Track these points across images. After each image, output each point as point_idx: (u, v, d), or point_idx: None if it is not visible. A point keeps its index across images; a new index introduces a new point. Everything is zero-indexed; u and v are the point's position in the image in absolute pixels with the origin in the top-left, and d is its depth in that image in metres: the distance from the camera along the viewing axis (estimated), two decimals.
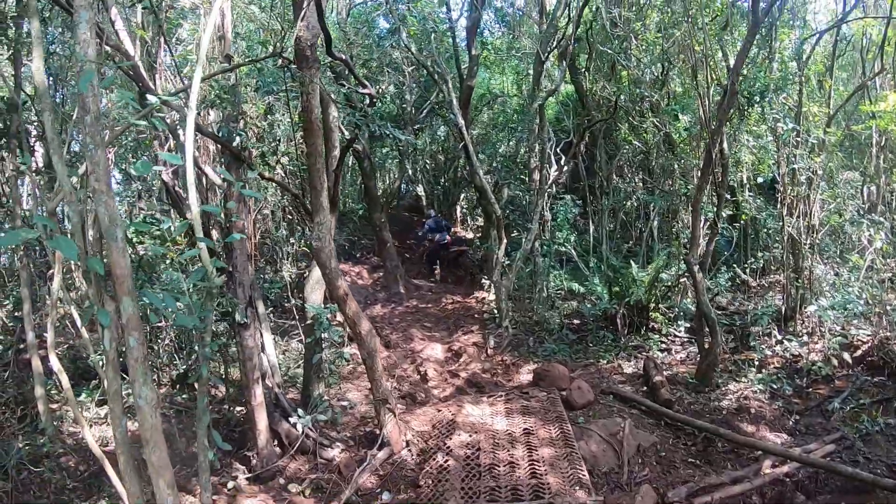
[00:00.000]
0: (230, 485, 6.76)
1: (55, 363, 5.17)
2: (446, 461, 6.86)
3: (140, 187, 10.67)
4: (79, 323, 5.58)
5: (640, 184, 14.14)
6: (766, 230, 11.77)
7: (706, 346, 8.51)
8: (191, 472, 7.02)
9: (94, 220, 3.37)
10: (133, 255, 8.44)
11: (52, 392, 7.97)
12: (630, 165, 14.91)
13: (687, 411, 7.90)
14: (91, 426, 7.49)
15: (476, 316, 12.87)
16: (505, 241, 12.20)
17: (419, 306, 13.88)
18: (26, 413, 7.51)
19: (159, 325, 8.74)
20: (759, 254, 11.23)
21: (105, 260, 3.68)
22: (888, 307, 8.57)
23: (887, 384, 7.82)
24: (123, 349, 3.32)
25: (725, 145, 8.61)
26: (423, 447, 7.41)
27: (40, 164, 9.21)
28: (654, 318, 10.71)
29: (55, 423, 7.30)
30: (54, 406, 7.83)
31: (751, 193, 11.55)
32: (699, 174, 8.96)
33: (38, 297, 9.04)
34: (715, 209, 8.87)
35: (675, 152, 12.34)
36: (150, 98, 3.95)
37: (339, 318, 8.69)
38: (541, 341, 11.07)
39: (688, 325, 10.56)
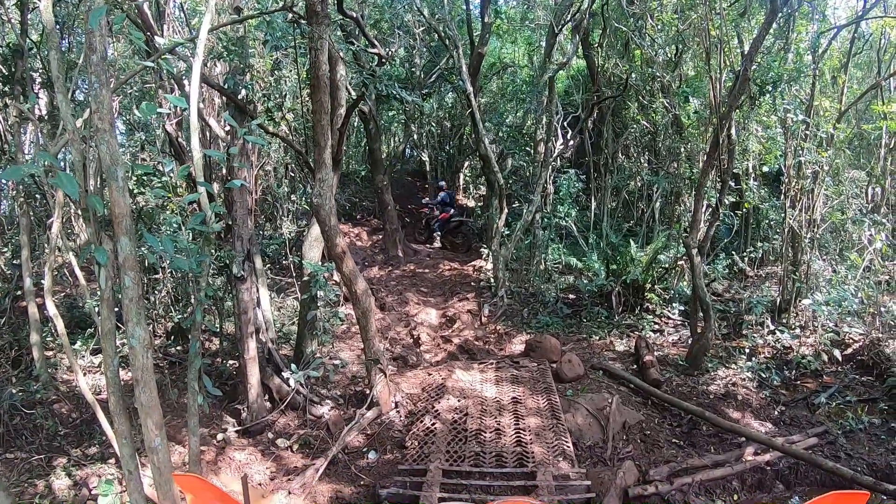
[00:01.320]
0: (220, 437, 6.83)
1: (51, 308, 5.16)
2: (433, 424, 6.91)
3: (143, 137, 10.59)
4: (77, 271, 5.57)
5: (646, 164, 14.07)
6: (767, 221, 11.73)
7: (699, 329, 8.53)
8: (181, 423, 7.06)
9: (97, 169, 3.33)
10: (133, 206, 8.43)
11: (48, 339, 8.01)
12: (636, 145, 14.82)
13: (675, 393, 7.92)
14: (85, 374, 7.53)
15: (472, 284, 12.88)
16: (506, 210, 12.16)
17: (416, 271, 13.88)
18: (21, 359, 7.56)
19: (156, 277, 8.78)
20: (759, 244, 11.21)
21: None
22: (882, 309, 8.58)
23: (875, 384, 7.85)
24: (119, 293, 3.32)
25: (733, 131, 8.53)
26: (412, 409, 7.47)
27: (43, 113, 9.15)
28: (650, 299, 10.72)
29: (49, 371, 7.34)
30: (49, 353, 7.87)
31: (755, 182, 11.49)
32: (705, 158, 8.90)
33: (37, 245, 9.04)
34: (718, 195, 8.82)
35: (683, 135, 12.25)
36: (159, 40, 3.89)
37: (336, 277, 8.71)
38: (535, 313, 11.10)
39: (682, 307, 10.58)
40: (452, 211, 16.02)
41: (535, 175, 13.18)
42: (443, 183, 16.77)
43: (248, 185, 7.66)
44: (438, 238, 16.17)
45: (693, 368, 8.44)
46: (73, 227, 10.12)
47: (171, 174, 4.46)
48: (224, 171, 7.75)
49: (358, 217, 17.55)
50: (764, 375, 8.17)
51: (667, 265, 10.82)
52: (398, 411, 7.42)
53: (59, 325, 5.02)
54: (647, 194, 13.36)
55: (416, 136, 19.48)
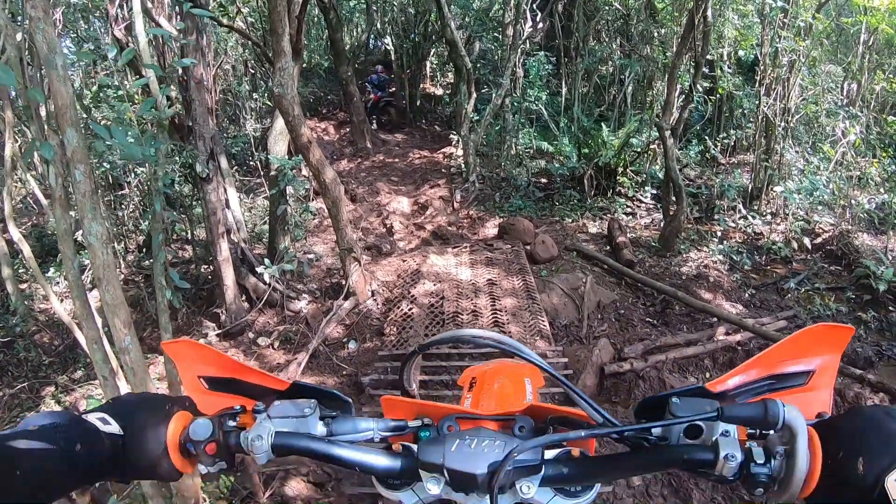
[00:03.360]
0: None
1: (15, 233, 4.89)
2: (410, 310, 6.90)
3: (90, 47, 9.89)
4: (40, 197, 5.25)
5: (618, 49, 13.59)
6: (741, 109, 11.51)
7: (671, 212, 8.49)
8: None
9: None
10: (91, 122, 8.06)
11: (20, 271, 7.82)
12: (608, 29, 14.30)
13: (648, 273, 7.97)
14: (62, 300, 7.37)
15: (443, 171, 12.69)
16: (474, 95, 11.74)
17: (386, 161, 13.63)
18: None
19: (123, 193, 8.51)
20: (732, 131, 11.06)
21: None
22: (853, 202, 8.57)
23: (843, 274, 7.92)
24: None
25: (710, 13, 8.16)
26: (388, 296, 7.44)
27: None
28: (622, 182, 10.63)
29: (26, 302, 7.16)
30: (23, 286, 7.69)
31: (730, 70, 11.18)
32: (679, 40, 8.57)
33: None
34: (692, 78, 8.57)
35: (657, 19, 11.82)
36: None
37: (305, 171, 8.48)
38: (507, 197, 10.99)
39: (654, 191, 10.52)
40: (380, 94, 16.05)
41: (503, 59, 12.73)
42: (379, 67, 16.67)
43: (206, 83, 7.30)
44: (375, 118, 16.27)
45: (665, 250, 8.48)
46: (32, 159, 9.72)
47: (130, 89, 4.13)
48: (179, 70, 7.35)
49: (324, 111, 17.07)
50: (735, 258, 8.21)
51: (639, 149, 10.67)
52: (375, 299, 7.39)
53: (26, 249, 4.76)
54: (618, 79, 12.97)
55: (378, 25, 18.70)
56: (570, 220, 9.95)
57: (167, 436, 0.93)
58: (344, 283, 7.31)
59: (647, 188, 10.65)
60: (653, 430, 0.93)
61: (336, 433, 1.05)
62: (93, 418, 0.89)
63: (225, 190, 7.81)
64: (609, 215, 9.94)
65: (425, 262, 8.02)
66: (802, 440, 0.79)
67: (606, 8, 13.28)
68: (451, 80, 16.88)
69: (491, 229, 9.80)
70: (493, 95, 11.54)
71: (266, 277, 6.50)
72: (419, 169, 13.01)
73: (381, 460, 0.98)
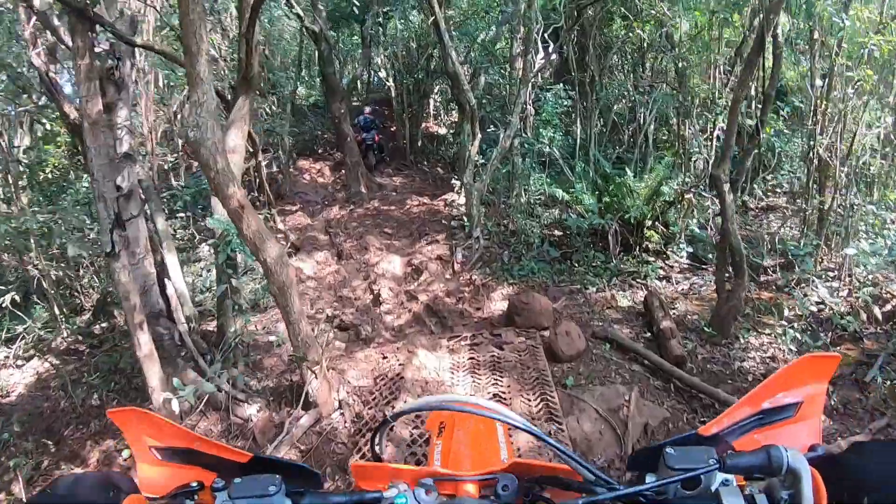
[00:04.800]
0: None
1: None
2: (385, 445, 4.65)
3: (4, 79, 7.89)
4: None
5: (633, 88, 11.42)
6: (770, 149, 9.28)
7: (728, 287, 6.20)
8: (85, 436, 5.49)
9: None
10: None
11: None
12: (624, 64, 12.20)
13: (703, 371, 5.71)
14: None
15: (443, 222, 10.44)
16: (479, 136, 9.48)
17: (380, 208, 11.47)
18: None
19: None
20: (769, 176, 8.88)
21: None
22: None
23: None
24: None
25: (780, 30, 6.00)
26: (359, 411, 5.22)
27: None
28: (649, 237, 8.41)
29: None
30: None
31: (759, 106, 9.00)
32: (743, 67, 6.41)
33: None
34: (759, 114, 6.39)
35: (678, 51, 9.72)
36: None
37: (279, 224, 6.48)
38: (517, 257, 8.72)
39: (690, 249, 8.32)
40: (365, 135, 13.96)
41: (512, 95, 10.60)
42: (367, 108, 14.73)
43: (131, 126, 5.30)
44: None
45: (721, 336, 6.19)
46: None
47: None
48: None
49: (320, 151, 15.09)
50: (813, 344, 5.91)
51: (670, 198, 8.45)
52: (342, 413, 5.17)
53: None
54: (637, 118, 10.76)
55: (378, 60, 16.76)
56: (595, 289, 7.67)
57: None
58: (303, 385, 5.16)
59: (681, 245, 8.43)
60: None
61: None
62: None
63: (161, 258, 5.81)
64: (639, 281, 7.75)
65: (411, 361, 5.67)
66: (807, 485, 0.75)
67: (630, 35, 11.18)
68: (456, 119, 14.86)
69: (498, 302, 7.52)
70: (501, 136, 9.29)
71: (174, 406, 4.31)
72: (417, 219, 10.80)
73: None
